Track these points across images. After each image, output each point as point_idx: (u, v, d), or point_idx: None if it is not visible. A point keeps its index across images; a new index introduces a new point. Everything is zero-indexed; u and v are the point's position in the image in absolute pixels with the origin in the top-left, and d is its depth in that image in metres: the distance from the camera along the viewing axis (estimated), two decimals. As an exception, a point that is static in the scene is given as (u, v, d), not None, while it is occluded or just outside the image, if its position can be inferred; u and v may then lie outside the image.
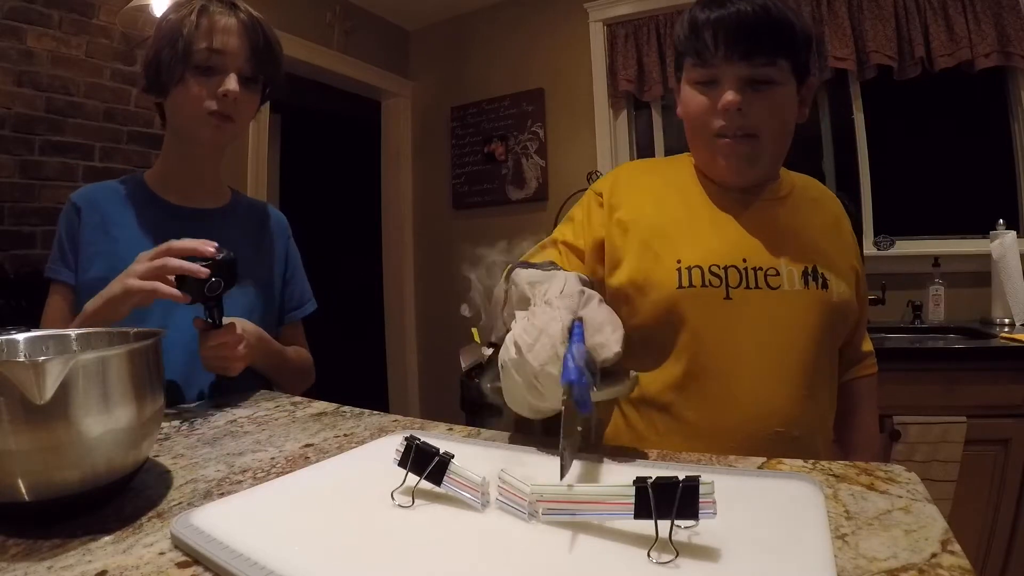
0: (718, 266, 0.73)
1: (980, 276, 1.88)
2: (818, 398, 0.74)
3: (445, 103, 3.13)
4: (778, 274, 0.73)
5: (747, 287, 0.72)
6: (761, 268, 0.73)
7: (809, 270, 0.74)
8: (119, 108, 2.04)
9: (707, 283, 0.72)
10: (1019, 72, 1.99)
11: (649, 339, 0.75)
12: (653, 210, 0.79)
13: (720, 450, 0.56)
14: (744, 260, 0.73)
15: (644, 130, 2.69)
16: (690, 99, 0.77)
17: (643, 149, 2.71)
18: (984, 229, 1.89)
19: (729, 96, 0.71)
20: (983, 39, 1.94)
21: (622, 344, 0.51)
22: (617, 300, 0.78)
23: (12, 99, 1.77)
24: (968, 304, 1.94)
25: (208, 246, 0.73)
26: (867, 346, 0.90)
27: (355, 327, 3.83)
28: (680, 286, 0.72)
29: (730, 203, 0.78)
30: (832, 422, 0.79)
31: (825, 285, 0.74)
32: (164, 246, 0.72)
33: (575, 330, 0.51)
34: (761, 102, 0.72)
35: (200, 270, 0.72)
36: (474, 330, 2.41)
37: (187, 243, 0.73)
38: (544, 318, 0.52)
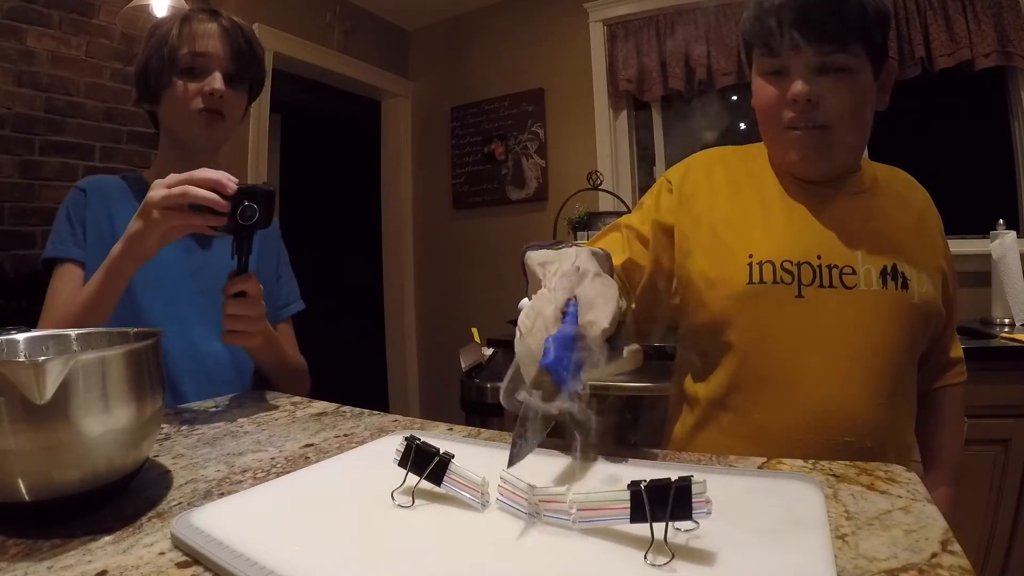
0: (791, 262, 0.70)
1: (980, 276, 1.88)
2: (895, 407, 0.70)
3: (445, 103, 3.13)
4: (854, 272, 0.69)
5: (821, 285, 0.69)
6: (836, 266, 0.70)
7: (888, 269, 0.70)
8: (119, 108, 2.04)
9: (778, 280, 0.69)
10: (1019, 72, 1.99)
11: (717, 336, 0.73)
12: (726, 202, 0.77)
13: (787, 456, 0.53)
14: (819, 257, 0.70)
15: (644, 130, 2.69)
16: (759, 90, 0.74)
17: (643, 149, 2.71)
18: (984, 229, 1.88)
19: (798, 87, 0.68)
20: (983, 39, 1.94)
21: (612, 319, 0.49)
22: (686, 292, 0.77)
23: (12, 99, 1.77)
24: (968, 304, 1.93)
25: (231, 181, 0.68)
26: (956, 352, 0.84)
27: (355, 327, 3.83)
28: (750, 282, 0.70)
29: (805, 196, 0.75)
30: (911, 433, 0.75)
31: (905, 285, 0.70)
32: (187, 175, 0.67)
33: (570, 310, 0.50)
34: (834, 92, 0.68)
35: (221, 202, 0.67)
36: (474, 330, 2.41)
37: (209, 174, 0.67)
38: (541, 301, 0.52)
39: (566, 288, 0.52)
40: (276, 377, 0.96)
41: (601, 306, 0.50)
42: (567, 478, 0.48)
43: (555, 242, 0.68)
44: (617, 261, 0.75)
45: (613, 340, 0.50)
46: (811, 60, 0.68)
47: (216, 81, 0.87)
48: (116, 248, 0.72)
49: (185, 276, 0.89)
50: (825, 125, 0.70)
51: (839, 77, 0.68)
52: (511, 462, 0.38)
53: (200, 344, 0.87)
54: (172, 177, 0.67)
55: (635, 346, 0.52)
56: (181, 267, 0.89)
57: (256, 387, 0.94)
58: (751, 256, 0.71)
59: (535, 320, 0.51)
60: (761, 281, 0.70)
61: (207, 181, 0.67)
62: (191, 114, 0.88)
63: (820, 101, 0.68)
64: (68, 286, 0.84)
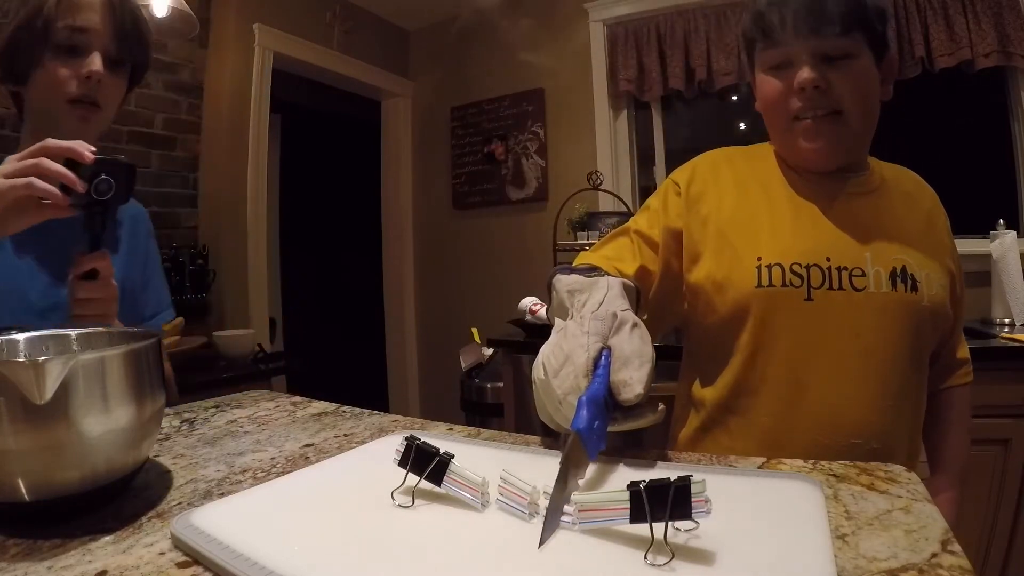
0: (800, 265, 0.69)
1: (980, 276, 1.88)
2: (902, 409, 0.69)
3: (445, 103, 3.13)
4: (864, 275, 0.69)
5: (830, 288, 0.69)
6: (846, 268, 0.69)
7: (898, 270, 0.69)
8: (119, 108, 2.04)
9: (788, 283, 0.69)
10: (1019, 72, 1.99)
11: (725, 339, 0.73)
12: (733, 203, 0.76)
13: (795, 457, 0.53)
14: (828, 259, 0.70)
15: (644, 130, 2.69)
16: (764, 85, 0.74)
17: (643, 149, 2.71)
18: (984, 229, 1.88)
19: (805, 73, 0.68)
20: (983, 39, 1.94)
21: (647, 383, 0.49)
22: (695, 296, 0.76)
23: (12, 99, 1.77)
24: (968, 304, 1.93)
25: (87, 150, 0.61)
26: (963, 353, 0.84)
27: (355, 327, 3.83)
28: (759, 285, 0.70)
29: (815, 196, 0.74)
30: (919, 435, 0.75)
31: (915, 287, 0.69)
32: (39, 145, 0.61)
33: (602, 360, 0.50)
34: (840, 77, 0.68)
35: (76, 180, 0.61)
36: (474, 330, 2.41)
37: (63, 143, 0.61)
38: (572, 344, 0.51)
39: (600, 335, 0.51)
40: None
41: (637, 367, 0.49)
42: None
43: (588, 267, 0.68)
44: (629, 269, 0.75)
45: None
46: (814, 47, 0.68)
47: (95, 62, 0.76)
48: None
49: (36, 294, 0.79)
50: (835, 111, 0.70)
51: (843, 63, 0.68)
52: (542, 542, 0.36)
53: None
54: (26, 151, 0.61)
55: (661, 407, 0.52)
56: (30, 285, 0.79)
57: None
58: (759, 259, 0.71)
59: (564, 364, 0.50)
60: (770, 284, 0.70)
61: (62, 149, 0.61)
62: (63, 104, 0.77)
63: (828, 87, 0.69)
64: None
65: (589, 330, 0.51)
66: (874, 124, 0.74)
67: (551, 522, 0.37)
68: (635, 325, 0.53)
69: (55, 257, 0.80)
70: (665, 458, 0.53)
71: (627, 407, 0.49)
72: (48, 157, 0.60)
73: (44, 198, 0.61)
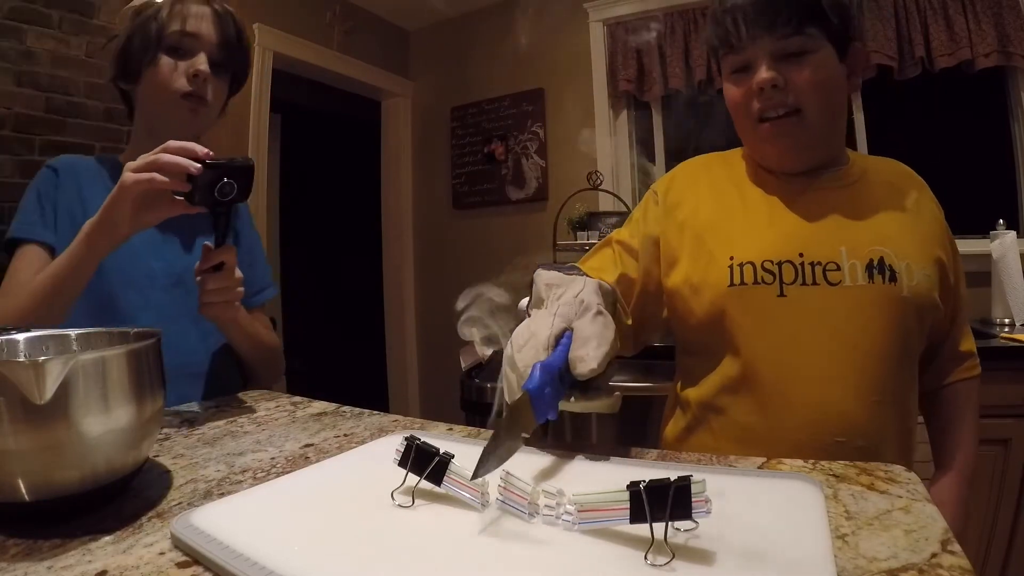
0: (771, 262, 0.70)
1: (980, 276, 1.88)
2: (888, 405, 0.68)
3: (445, 103, 3.13)
4: (839, 268, 0.68)
5: (803, 283, 0.68)
6: (819, 263, 0.69)
7: (875, 262, 0.68)
8: (119, 108, 2.03)
9: (759, 280, 0.69)
10: (1019, 72, 1.99)
11: (704, 339, 0.73)
12: (710, 207, 0.77)
13: (777, 457, 0.53)
14: (800, 254, 0.69)
15: (644, 130, 2.69)
16: (728, 90, 0.75)
17: (643, 149, 2.71)
18: (984, 229, 1.88)
19: (762, 73, 0.69)
20: (983, 39, 1.94)
21: (603, 361, 0.51)
22: (673, 300, 0.77)
23: (12, 99, 1.77)
24: (968, 304, 1.93)
25: (199, 149, 0.67)
26: (967, 345, 0.82)
27: (355, 327, 3.83)
28: (732, 284, 0.70)
29: (788, 194, 0.74)
30: (913, 432, 0.74)
31: (893, 278, 0.68)
32: (160, 147, 0.67)
33: (564, 339, 0.53)
34: (798, 74, 0.68)
35: (192, 164, 0.66)
36: (474, 330, 2.41)
37: (180, 143, 0.67)
38: (538, 323, 0.54)
39: (565, 317, 0.55)
40: (252, 357, 0.93)
41: (595, 346, 0.52)
42: (567, 478, 0.48)
43: (570, 266, 0.71)
44: (611, 277, 0.77)
45: (598, 380, 0.52)
46: (770, 47, 0.69)
47: (201, 62, 0.85)
48: (87, 224, 0.69)
49: (160, 267, 0.88)
50: (795, 109, 0.70)
51: (801, 60, 0.69)
52: (475, 475, 0.41)
53: (177, 337, 0.83)
54: (150, 152, 0.67)
55: (617, 393, 0.54)
56: (155, 259, 0.88)
57: (236, 379, 0.93)
58: (732, 258, 0.72)
59: (528, 340, 0.53)
60: (742, 282, 0.70)
61: (179, 149, 0.66)
62: (175, 97, 0.86)
63: (786, 85, 0.69)
64: (31, 267, 0.79)
65: (556, 312, 0.55)
66: (841, 119, 0.75)
67: (485, 464, 0.41)
68: (599, 313, 0.56)
69: (174, 234, 0.91)
70: (665, 458, 0.53)
71: (584, 388, 0.51)
72: (168, 152, 0.66)
73: (168, 191, 0.66)
